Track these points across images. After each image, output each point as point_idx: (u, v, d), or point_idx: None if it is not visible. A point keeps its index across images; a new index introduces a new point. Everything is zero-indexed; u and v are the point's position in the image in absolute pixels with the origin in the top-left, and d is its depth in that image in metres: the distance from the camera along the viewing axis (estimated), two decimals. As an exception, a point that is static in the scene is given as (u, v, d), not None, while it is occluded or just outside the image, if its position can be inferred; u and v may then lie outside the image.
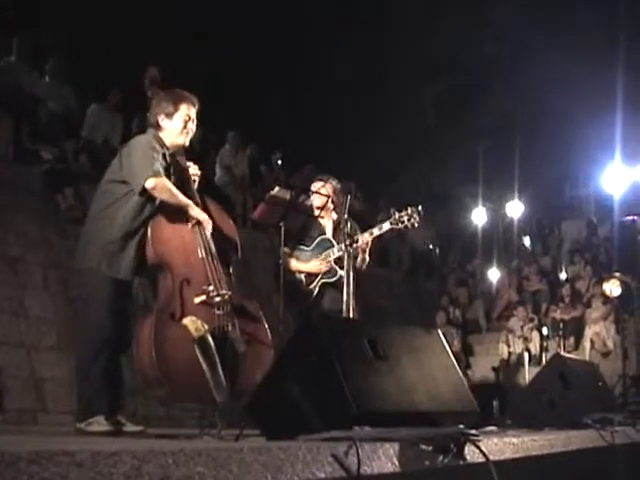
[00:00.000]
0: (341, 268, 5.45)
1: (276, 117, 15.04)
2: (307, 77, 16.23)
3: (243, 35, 15.48)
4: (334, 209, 5.81)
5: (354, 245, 5.46)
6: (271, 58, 15.81)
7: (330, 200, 5.74)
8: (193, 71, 12.89)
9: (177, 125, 4.31)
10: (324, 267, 5.57)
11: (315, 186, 5.79)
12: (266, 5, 15.53)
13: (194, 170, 4.51)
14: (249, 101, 14.60)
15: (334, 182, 5.82)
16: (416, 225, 5.59)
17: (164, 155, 4.26)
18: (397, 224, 5.52)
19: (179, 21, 14.66)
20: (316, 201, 5.75)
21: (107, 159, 4.68)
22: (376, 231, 5.57)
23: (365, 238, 5.54)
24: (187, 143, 4.40)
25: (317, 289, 5.58)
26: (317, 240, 5.69)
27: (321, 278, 5.59)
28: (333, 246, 5.63)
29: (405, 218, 5.51)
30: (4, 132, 9.31)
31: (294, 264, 5.66)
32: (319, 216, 5.78)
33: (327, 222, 5.82)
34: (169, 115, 4.30)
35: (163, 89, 4.53)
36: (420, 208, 5.55)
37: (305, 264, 5.64)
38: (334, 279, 5.55)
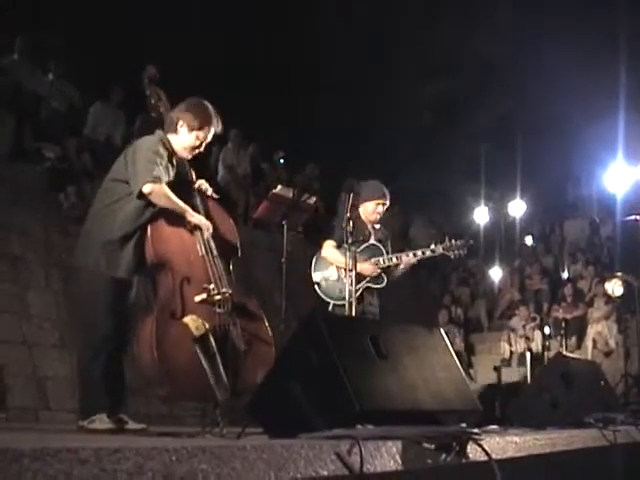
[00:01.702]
0: (387, 276, 5.58)
1: (277, 116, 15.03)
2: (308, 76, 16.22)
3: (244, 34, 15.48)
4: (379, 220, 5.91)
5: (401, 261, 5.67)
6: (272, 57, 15.82)
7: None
8: (194, 69, 12.92)
9: (192, 141, 4.31)
10: (375, 272, 5.66)
11: (378, 204, 5.86)
12: (267, 5, 15.52)
13: (206, 187, 4.52)
14: (251, 100, 14.59)
15: (388, 201, 5.92)
16: (462, 255, 5.74)
17: (170, 158, 4.25)
18: (448, 251, 5.63)
19: (181, 20, 14.65)
20: (375, 217, 5.87)
21: (109, 157, 4.68)
22: (428, 252, 5.71)
23: (417, 256, 5.70)
24: (189, 157, 4.40)
25: (360, 291, 5.60)
26: (366, 244, 5.76)
27: (367, 282, 5.66)
28: (382, 254, 5.69)
29: (455, 248, 5.63)
30: (6, 131, 9.32)
31: (338, 257, 5.71)
32: (365, 223, 5.88)
33: (370, 228, 5.93)
34: (190, 127, 4.28)
35: (162, 88, 4.53)
36: (471, 240, 5.73)
37: (359, 264, 5.65)
38: (381, 285, 5.69)
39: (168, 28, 14.07)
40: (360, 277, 5.57)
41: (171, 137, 4.32)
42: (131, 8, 13.75)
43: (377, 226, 5.93)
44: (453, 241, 5.68)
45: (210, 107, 4.36)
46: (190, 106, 4.35)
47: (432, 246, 5.73)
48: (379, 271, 5.67)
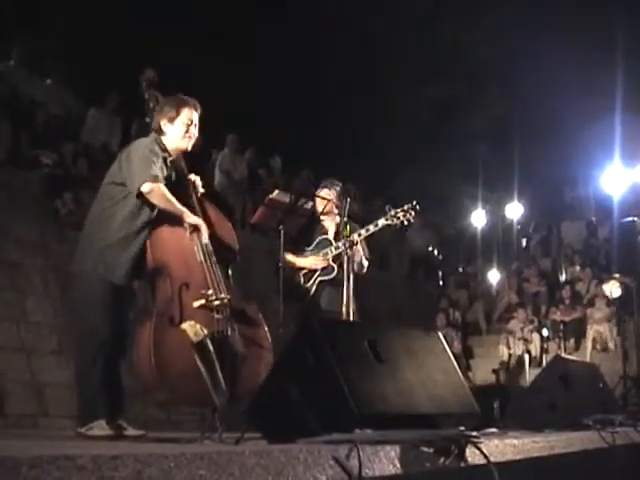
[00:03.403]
0: (340, 266, 5.47)
1: (275, 120, 15.04)
2: (306, 79, 16.24)
3: (242, 37, 15.50)
4: (338, 213, 5.81)
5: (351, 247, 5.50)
6: (270, 60, 15.83)
7: (333, 204, 5.77)
8: (191, 74, 12.91)
9: (179, 130, 4.33)
10: (320, 263, 5.60)
11: (320, 192, 5.84)
12: (265, 7, 15.54)
13: (197, 182, 4.52)
14: (248, 104, 14.60)
15: (338, 187, 5.84)
16: (412, 220, 5.61)
17: (165, 159, 4.27)
18: (392, 220, 5.53)
19: (178, 24, 14.66)
20: (320, 206, 5.78)
21: (106, 163, 4.69)
22: (372, 228, 5.57)
23: (361, 236, 5.56)
24: (190, 148, 4.41)
25: (315, 287, 5.61)
26: (317, 240, 5.74)
27: (318, 275, 5.62)
28: (331, 245, 5.66)
29: (400, 214, 5.52)
30: (3, 137, 9.31)
31: (291, 258, 5.70)
32: (322, 220, 5.84)
33: (330, 225, 5.87)
34: (171, 120, 4.31)
35: (160, 91, 4.54)
36: (415, 203, 5.56)
37: (302, 259, 5.66)
38: (331, 276, 5.58)
39: (165, 33, 14.07)
40: (311, 272, 5.60)
41: (164, 139, 4.34)
42: (128, 13, 13.77)
43: (338, 219, 5.77)
44: (395, 210, 5.55)
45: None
46: (161, 105, 4.42)
47: (376, 221, 5.65)
48: (326, 263, 5.57)
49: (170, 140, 4.34)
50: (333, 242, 5.69)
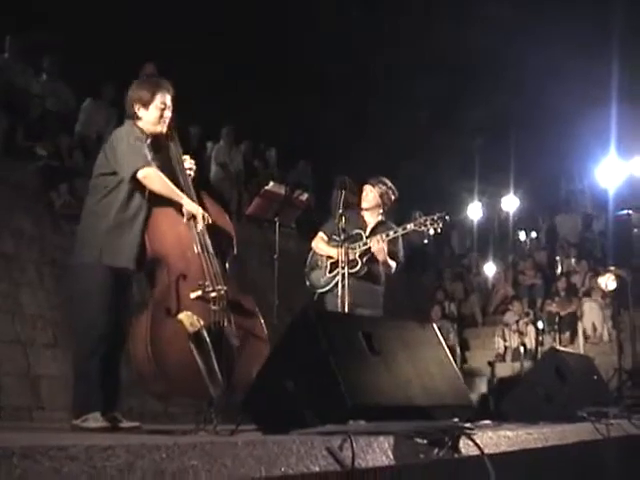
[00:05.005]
0: (366, 263, 5.52)
1: (270, 113, 15.01)
2: (303, 75, 16.21)
3: (240, 33, 15.46)
4: (383, 212, 5.89)
5: (367, 246, 5.58)
6: (267, 55, 15.80)
7: (377, 202, 5.85)
8: (190, 67, 12.89)
9: (153, 114, 4.27)
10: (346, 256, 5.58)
11: (365, 189, 5.90)
12: (263, 4, 15.49)
13: (189, 164, 4.50)
14: (244, 97, 14.57)
15: (383, 186, 5.87)
16: (439, 230, 5.63)
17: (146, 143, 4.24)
18: (420, 227, 5.56)
19: (175, 18, 14.62)
20: (364, 203, 5.85)
21: (102, 155, 4.66)
22: (400, 231, 5.65)
23: (389, 236, 5.61)
24: (164, 130, 4.35)
25: (337, 278, 5.58)
26: (351, 234, 5.73)
27: (343, 268, 5.60)
28: (362, 239, 5.67)
29: (429, 222, 5.55)
30: (-2, 129, 9.29)
31: (322, 245, 5.79)
32: (363, 215, 5.88)
33: (370, 221, 5.89)
34: (145, 104, 4.25)
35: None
36: (445, 213, 5.60)
37: (332, 248, 5.69)
38: (353, 270, 5.56)
39: (163, 26, 14.03)
40: (336, 264, 5.60)
41: (139, 124, 4.30)
42: (127, 5, 13.71)
43: (380, 217, 5.89)
44: (424, 217, 5.61)
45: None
46: (134, 87, 4.34)
47: (404, 225, 5.69)
48: (353, 257, 5.57)
49: (145, 124, 4.29)
50: (364, 238, 5.71)
